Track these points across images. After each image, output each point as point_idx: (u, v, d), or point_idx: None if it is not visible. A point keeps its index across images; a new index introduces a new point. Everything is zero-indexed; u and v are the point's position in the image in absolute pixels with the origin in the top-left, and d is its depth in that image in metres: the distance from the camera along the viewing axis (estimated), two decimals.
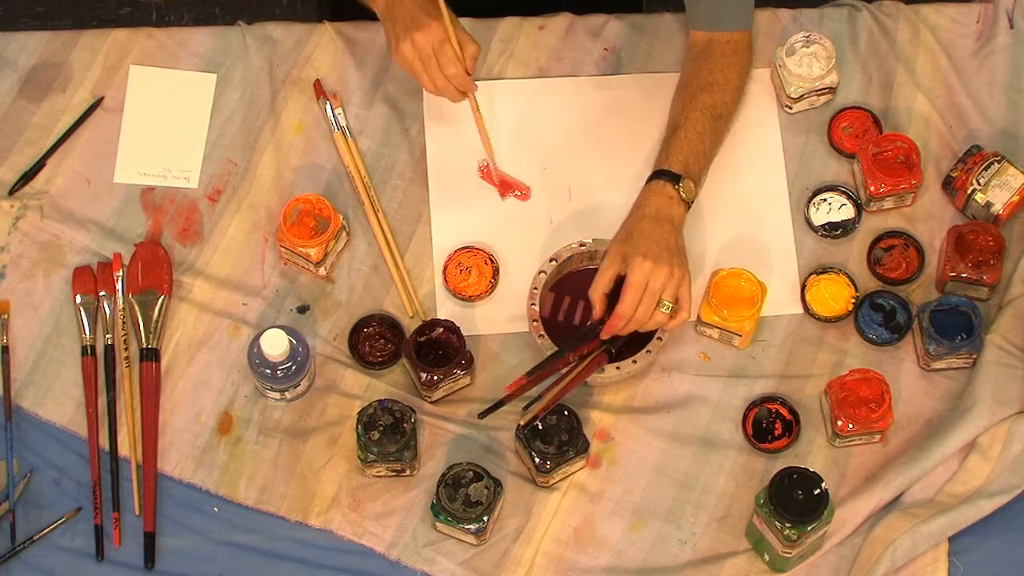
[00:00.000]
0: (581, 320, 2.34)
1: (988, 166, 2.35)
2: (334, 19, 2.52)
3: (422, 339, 2.27)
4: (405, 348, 2.26)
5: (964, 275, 2.30)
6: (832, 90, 2.43)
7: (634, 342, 2.27)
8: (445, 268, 2.36)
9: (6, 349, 2.31)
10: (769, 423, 2.30)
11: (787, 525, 2.10)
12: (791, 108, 2.44)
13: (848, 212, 2.40)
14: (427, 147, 2.43)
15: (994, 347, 2.28)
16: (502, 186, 2.40)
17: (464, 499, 2.17)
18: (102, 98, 2.44)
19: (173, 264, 2.35)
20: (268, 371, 2.22)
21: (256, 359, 2.22)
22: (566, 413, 2.22)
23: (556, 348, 2.26)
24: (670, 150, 2.30)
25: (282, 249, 2.34)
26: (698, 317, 2.32)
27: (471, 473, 2.18)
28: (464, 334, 2.27)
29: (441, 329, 2.28)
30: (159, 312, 2.32)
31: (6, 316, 2.32)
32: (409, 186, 2.42)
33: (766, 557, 2.21)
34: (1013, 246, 2.38)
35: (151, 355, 2.29)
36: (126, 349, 2.31)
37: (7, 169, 2.41)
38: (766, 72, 2.47)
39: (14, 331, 2.32)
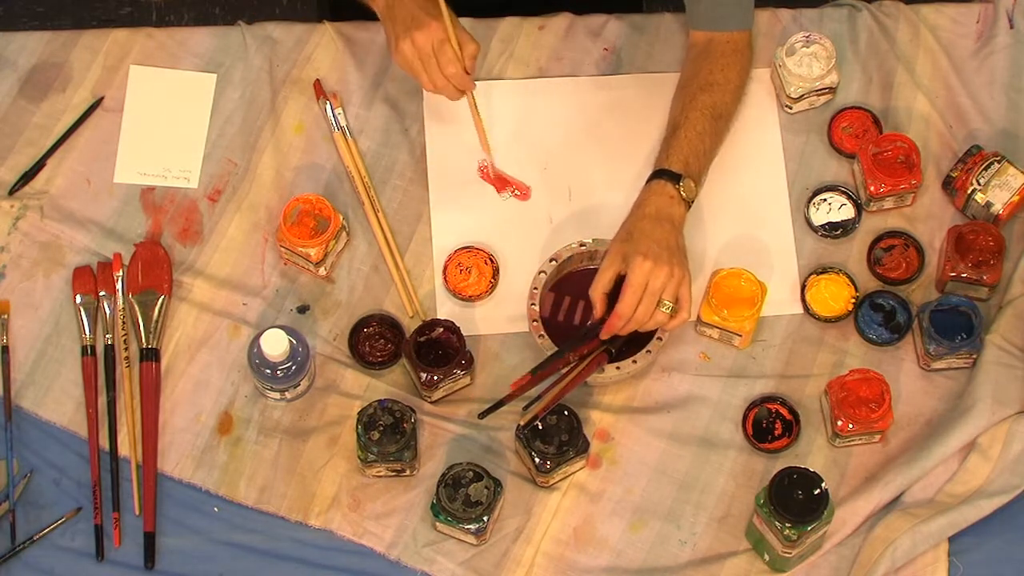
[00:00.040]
0: (581, 320, 2.34)
1: (988, 166, 2.35)
2: (334, 19, 2.52)
3: (422, 339, 2.27)
4: (405, 348, 2.26)
5: (964, 275, 2.30)
6: (832, 90, 2.43)
7: (634, 342, 2.27)
8: (445, 268, 2.36)
9: (6, 349, 2.31)
10: (769, 423, 2.30)
11: (787, 525, 2.10)
12: (791, 108, 2.44)
13: (848, 212, 2.40)
14: (427, 147, 2.43)
15: (994, 347, 2.28)
16: (498, 182, 2.40)
17: (464, 499, 2.17)
18: (102, 98, 2.44)
19: (173, 264, 2.35)
20: (268, 371, 2.22)
21: (256, 359, 2.22)
22: (566, 413, 2.22)
23: (556, 348, 2.26)
24: (670, 150, 2.30)
25: (282, 249, 2.34)
26: (698, 317, 2.32)
27: (471, 473, 2.18)
28: (464, 334, 2.27)
29: (441, 329, 2.28)
30: (159, 312, 2.32)
31: (6, 316, 2.32)
32: (409, 186, 2.42)
33: (766, 557, 2.21)
34: (1013, 246, 2.38)
35: (151, 355, 2.30)
36: (126, 349, 2.31)
37: (7, 169, 2.41)
38: (766, 72, 2.47)
39: (14, 331, 2.32)
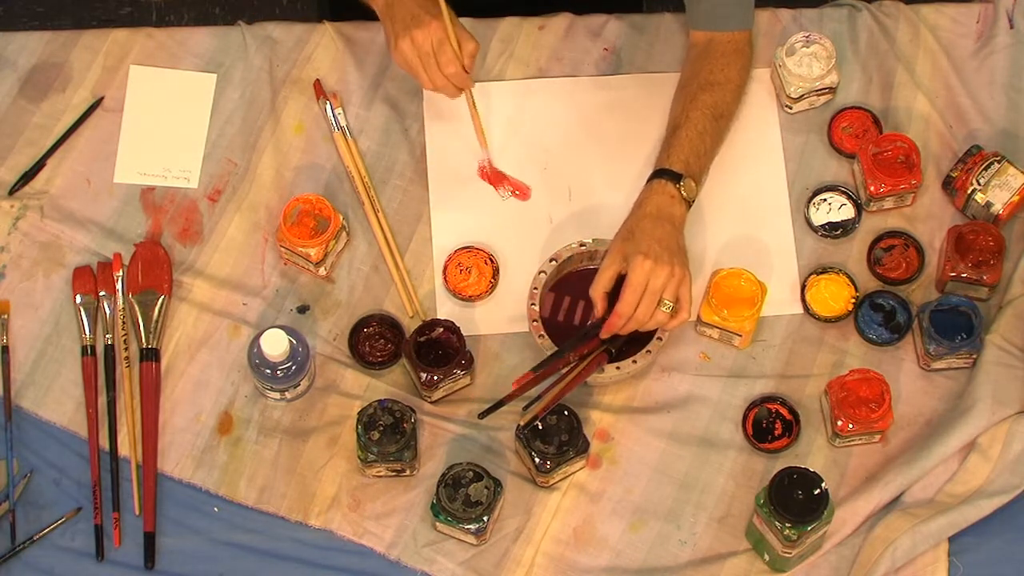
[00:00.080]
0: (581, 320, 2.34)
1: (988, 166, 2.35)
2: (334, 19, 2.52)
3: (422, 339, 2.27)
4: (405, 348, 2.26)
5: (964, 275, 2.30)
6: (832, 90, 2.43)
7: (634, 342, 2.27)
8: (445, 268, 2.36)
9: (6, 349, 2.31)
10: (769, 423, 2.30)
11: (787, 525, 2.10)
12: (791, 108, 2.44)
13: (848, 212, 2.40)
14: (427, 147, 2.43)
15: (994, 347, 2.28)
16: (495, 177, 2.40)
17: (464, 499, 2.17)
18: (102, 98, 2.44)
19: (173, 264, 2.35)
20: (268, 371, 2.22)
21: (256, 359, 2.22)
22: (566, 413, 2.22)
23: (556, 348, 2.26)
24: (671, 149, 2.30)
25: (282, 249, 2.34)
26: (698, 317, 2.32)
27: (471, 473, 2.18)
28: (464, 334, 2.27)
29: (441, 329, 2.28)
30: (159, 312, 2.32)
31: (6, 316, 2.32)
32: (409, 186, 2.42)
33: (766, 557, 2.21)
34: (1013, 246, 2.38)
35: (151, 355, 2.30)
36: (126, 349, 2.31)
37: (7, 169, 2.41)
38: (766, 72, 2.47)
39: (14, 331, 2.32)
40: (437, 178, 2.42)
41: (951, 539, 2.22)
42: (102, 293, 2.33)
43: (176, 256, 2.37)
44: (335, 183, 2.41)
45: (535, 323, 2.29)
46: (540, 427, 2.21)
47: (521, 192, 2.41)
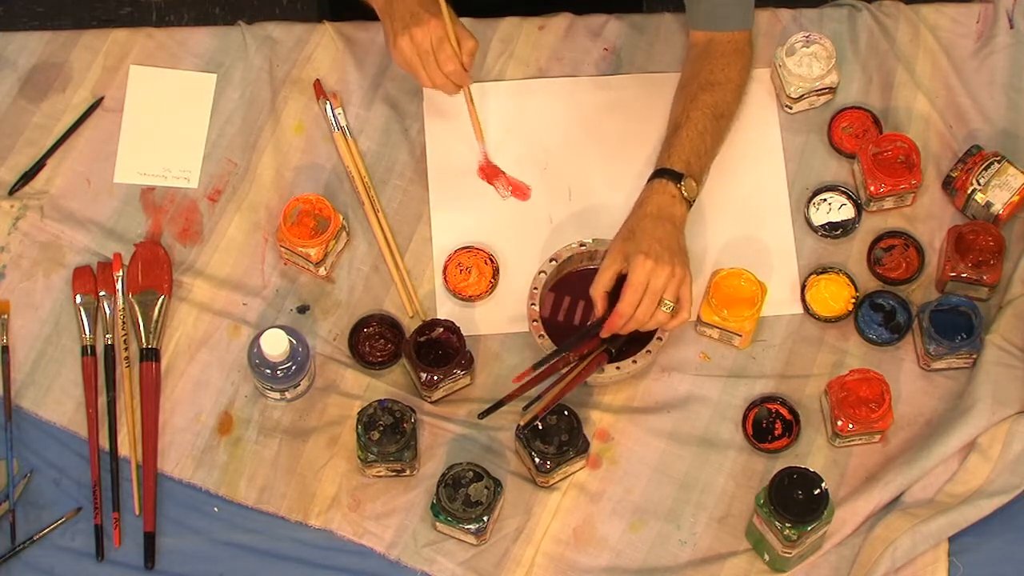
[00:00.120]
0: (581, 320, 2.34)
1: (988, 166, 2.35)
2: (334, 19, 2.52)
3: (422, 339, 2.27)
4: (405, 348, 2.26)
5: (964, 275, 2.30)
6: (832, 90, 2.43)
7: (634, 342, 2.27)
8: (445, 268, 2.36)
9: (6, 349, 2.31)
10: (769, 423, 2.30)
11: (787, 525, 2.10)
12: (791, 108, 2.44)
13: (848, 212, 2.40)
14: (427, 147, 2.43)
15: (994, 347, 2.28)
16: (490, 171, 2.40)
17: (464, 499, 2.17)
18: (102, 98, 2.44)
19: (173, 264, 2.35)
20: (268, 371, 2.22)
21: (256, 359, 2.22)
22: (566, 413, 2.22)
23: (556, 348, 2.26)
24: (672, 149, 2.30)
25: (282, 249, 2.34)
26: (698, 317, 2.32)
27: (471, 473, 2.18)
28: (464, 334, 2.27)
29: (441, 329, 2.28)
30: (159, 312, 2.32)
31: (6, 316, 2.32)
32: (409, 186, 2.42)
33: (766, 557, 2.21)
34: (1013, 246, 2.38)
35: (151, 355, 2.30)
36: (126, 349, 2.31)
37: (7, 169, 2.41)
38: (766, 72, 2.47)
39: (14, 331, 2.32)
40: (437, 178, 2.42)
41: (951, 539, 2.22)
42: (102, 293, 2.33)
43: (176, 256, 2.37)
44: (335, 183, 2.41)
45: (535, 323, 2.29)
46: (540, 427, 2.21)
47: (521, 192, 2.41)
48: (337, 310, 2.35)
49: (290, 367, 2.22)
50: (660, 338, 2.27)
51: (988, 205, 2.35)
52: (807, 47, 2.42)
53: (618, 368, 2.26)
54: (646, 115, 2.44)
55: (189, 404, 2.29)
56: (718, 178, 2.38)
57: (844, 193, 2.40)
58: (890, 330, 2.33)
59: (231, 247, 2.37)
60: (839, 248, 2.39)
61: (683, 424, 2.29)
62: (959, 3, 2.51)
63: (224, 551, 2.23)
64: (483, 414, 2.23)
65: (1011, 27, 2.48)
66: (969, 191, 2.35)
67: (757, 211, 2.40)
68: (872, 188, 2.35)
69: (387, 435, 2.20)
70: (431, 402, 2.30)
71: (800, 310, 2.35)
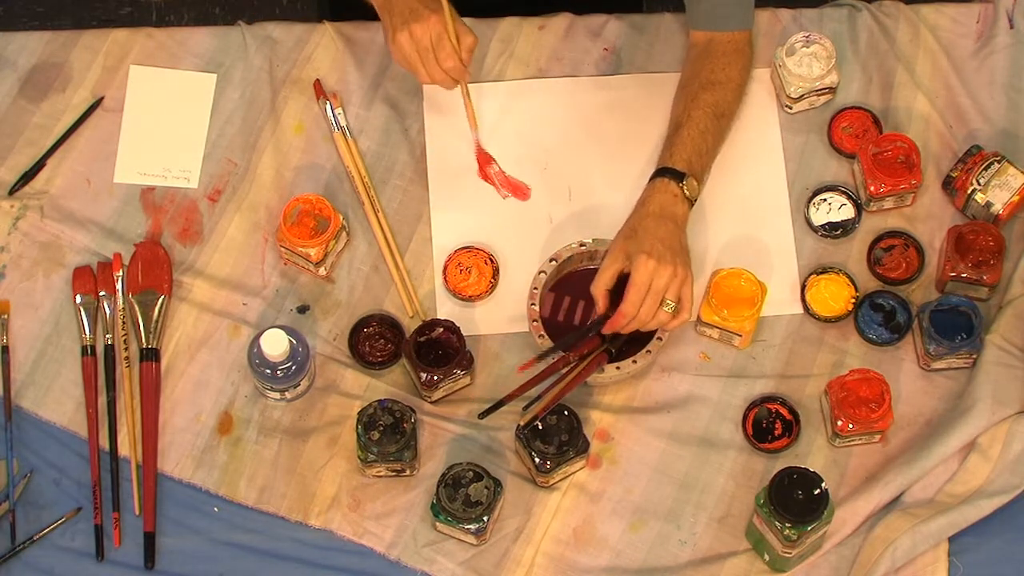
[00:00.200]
0: (581, 320, 2.34)
1: (988, 166, 2.35)
2: (334, 19, 2.52)
3: (422, 339, 2.27)
4: (405, 348, 2.26)
5: (964, 275, 2.30)
6: (832, 90, 2.43)
7: (634, 342, 2.27)
8: (445, 268, 2.36)
9: (6, 349, 2.31)
10: (769, 423, 2.30)
11: (787, 525, 2.10)
12: (791, 108, 2.44)
13: (848, 212, 2.40)
14: (427, 147, 2.43)
15: (994, 347, 2.28)
16: (482, 157, 2.40)
17: (464, 499, 2.17)
18: (102, 98, 2.44)
19: (173, 264, 2.35)
20: (268, 371, 2.22)
21: (256, 359, 2.22)
22: (566, 413, 2.22)
23: (562, 339, 2.26)
24: (673, 148, 2.30)
25: (282, 249, 2.34)
26: (698, 317, 2.32)
27: (471, 473, 2.18)
28: (464, 334, 2.27)
29: (441, 329, 2.28)
30: (159, 312, 2.32)
31: (6, 316, 2.32)
32: (409, 186, 2.42)
33: (766, 557, 2.21)
34: (1013, 246, 2.38)
35: (151, 355, 2.29)
36: (126, 349, 2.31)
37: (7, 169, 2.41)
38: (766, 72, 2.47)
39: (14, 331, 2.32)
40: (437, 178, 2.42)
41: (951, 539, 2.22)
42: (102, 293, 2.33)
43: (176, 256, 2.37)
44: (335, 183, 2.41)
45: (535, 323, 2.29)
46: (540, 427, 2.21)
47: (521, 192, 2.41)
48: (337, 310, 2.35)
49: (290, 367, 2.22)
50: (660, 338, 2.27)
51: (988, 205, 2.35)
52: (807, 47, 2.42)
53: (618, 368, 2.26)
54: (646, 115, 2.44)
55: (189, 404, 2.29)
56: (718, 178, 2.38)
57: (844, 193, 2.40)
58: (890, 330, 2.33)
59: (231, 247, 2.37)
60: (839, 248, 2.39)
61: (683, 424, 2.29)
62: (959, 3, 2.51)
63: (224, 551, 2.23)
64: (483, 414, 2.23)
65: (1011, 27, 2.48)
66: (969, 191, 2.35)
67: (757, 211, 2.40)
68: (872, 188, 2.35)
69: (387, 435, 2.20)
70: (431, 402, 2.30)
71: (800, 310, 2.35)
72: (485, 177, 2.42)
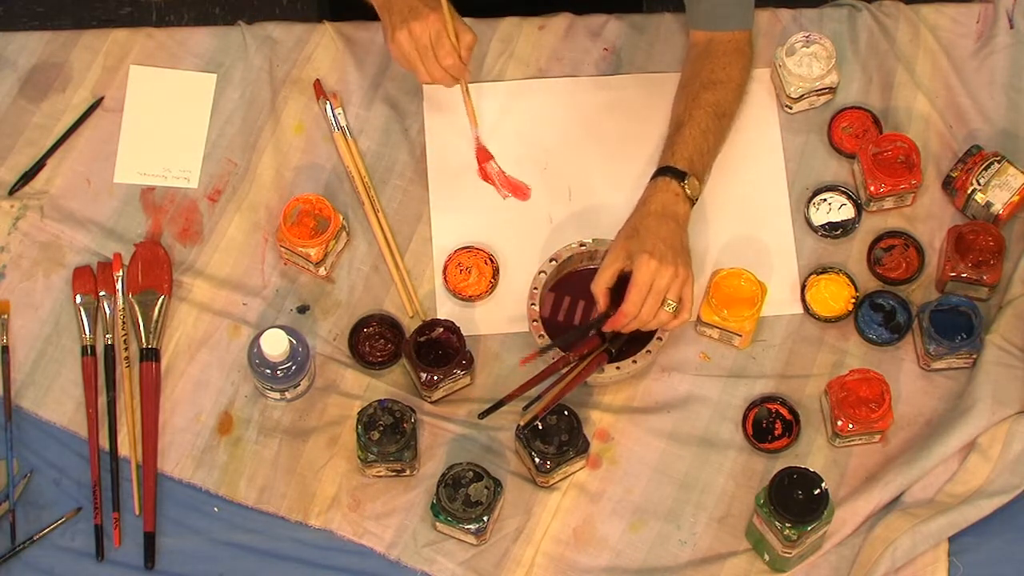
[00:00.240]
0: (581, 320, 2.34)
1: (988, 166, 2.35)
2: (334, 19, 2.52)
3: (422, 339, 2.27)
4: (405, 348, 2.26)
5: (964, 275, 2.30)
6: (832, 90, 2.43)
7: (634, 342, 2.27)
8: (445, 268, 2.36)
9: (6, 349, 2.31)
10: (769, 423, 2.30)
11: (787, 525, 2.10)
12: (791, 108, 2.44)
13: (848, 212, 2.40)
14: (427, 147, 2.43)
15: (994, 347, 2.28)
16: (481, 154, 2.40)
17: (464, 499, 2.17)
18: (102, 98, 2.44)
19: (173, 264, 2.35)
20: (268, 371, 2.22)
21: (256, 359, 2.22)
22: (566, 413, 2.22)
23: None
24: (675, 147, 2.30)
25: (282, 249, 2.34)
26: (698, 317, 2.32)
27: (471, 473, 2.18)
28: (464, 334, 2.27)
29: (441, 329, 2.28)
30: (159, 312, 2.32)
31: (6, 316, 2.32)
32: (409, 186, 2.42)
33: (766, 557, 2.21)
34: (1013, 246, 2.38)
35: (151, 355, 2.29)
36: (126, 349, 2.31)
37: (7, 169, 2.41)
38: (766, 72, 2.47)
39: (14, 331, 2.32)
40: (437, 178, 2.42)
41: (951, 539, 2.22)
42: (102, 293, 2.33)
43: (176, 256, 2.37)
44: (335, 183, 2.41)
45: (535, 323, 2.29)
46: (540, 427, 2.21)
47: (521, 192, 2.41)
48: (337, 310, 2.35)
49: (290, 367, 2.22)
50: (660, 338, 2.27)
51: (988, 205, 2.35)
52: (807, 47, 2.42)
53: (618, 368, 2.26)
54: (646, 115, 2.44)
55: (189, 404, 2.29)
56: (718, 178, 2.38)
57: (844, 193, 2.40)
58: (890, 330, 2.33)
59: (231, 247, 2.37)
60: (839, 248, 2.39)
61: (683, 424, 2.29)
62: (959, 3, 2.51)
63: (224, 551, 2.23)
64: (483, 414, 2.23)
65: (1011, 27, 2.48)
66: (969, 191, 2.35)
67: (757, 211, 2.40)
68: (872, 188, 2.35)
69: (387, 435, 2.20)
70: (431, 402, 2.30)
71: (800, 310, 2.35)
72: (485, 177, 2.42)
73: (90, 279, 2.33)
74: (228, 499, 2.25)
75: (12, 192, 2.39)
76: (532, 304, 2.30)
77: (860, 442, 2.27)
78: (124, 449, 2.27)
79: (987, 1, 2.51)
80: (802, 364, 2.33)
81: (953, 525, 2.20)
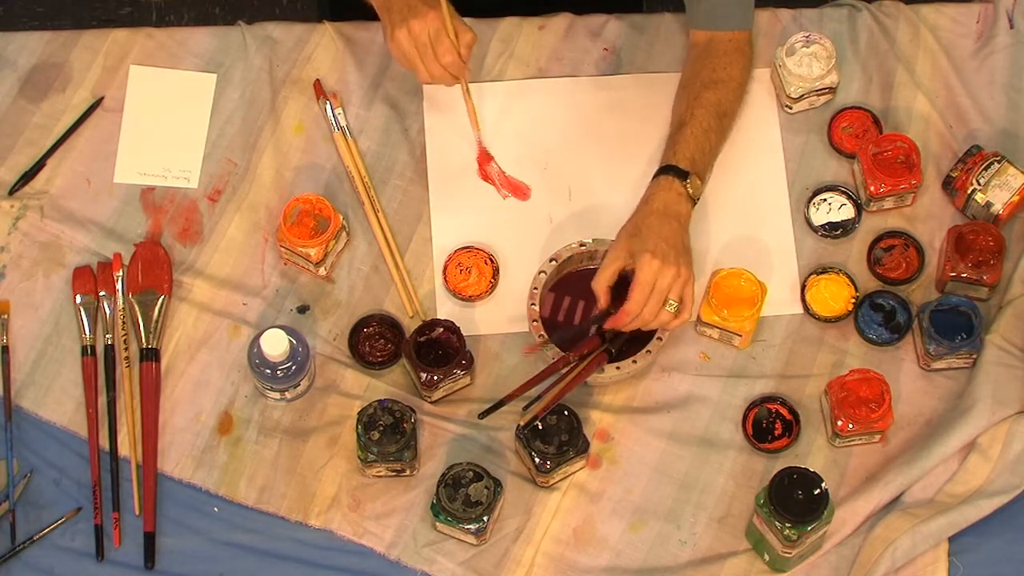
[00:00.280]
0: (581, 320, 2.34)
1: (988, 166, 2.35)
2: (334, 19, 2.52)
3: (422, 339, 2.27)
4: (405, 348, 2.26)
5: (964, 275, 2.30)
6: (832, 90, 2.43)
7: (634, 342, 2.27)
8: (445, 268, 2.36)
9: (6, 349, 2.31)
10: (769, 423, 2.30)
11: (787, 525, 2.10)
12: (791, 108, 2.44)
13: (848, 212, 2.40)
14: (427, 147, 2.43)
15: (994, 347, 2.28)
16: (483, 158, 2.40)
17: (464, 499, 2.17)
18: (102, 98, 2.44)
19: (173, 264, 2.35)
20: (268, 371, 2.22)
21: (256, 359, 2.22)
22: (566, 413, 2.22)
23: (556, 349, 2.26)
24: (677, 146, 2.30)
25: (282, 249, 2.34)
26: (698, 317, 2.32)
27: (471, 473, 2.18)
28: (464, 334, 2.27)
29: (441, 329, 2.28)
30: (159, 312, 2.32)
31: (6, 316, 2.32)
32: (409, 186, 2.42)
33: (766, 557, 2.21)
34: (1013, 246, 2.38)
35: (151, 355, 2.29)
36: (126, 349, 2.31)
37: (7, 169, 2.41)
38: (766, 72, 2.47)
39: (14, 331, 2.32)
40: (437, 178, 2.42)
41: (951, 539, 2.22)
42: (102, 293, 2.33)
43: (176, 256, 2.37)
44: (335, 183, 2.41)
45: (535, 323, 2.29)
46: (540, 427, 2.21)
47: (521, 192, 2.41)
48: (337, 310, 2.35)
49: (290, 367, 2.22)
50: (660, 338, 2.27)
51: (988, 205, 2.35)
52: (807, 47, 2.42)
53: (618, 368, 2.26)
54: (646, 115, 2.44)
55: (189, 404, 2.29)
56: (719, 178, 2.38)
57: (844, 193, 2.40)
58: (890, 330, 2.33)
59: (231, 247, 2.37)
60: (839, 248, 2.39)
61: (683, 424, 2.29)
62: (959, 3, 2.51)
63: (224, 551, 2.23)
64: (483, 414, 2.23)
65: (1011, 27, 2.48)
66: (969, 191, 2.35)
67: (757, 211, 2.40)
68: (872, 188, 2.35)
69: (387, 435, 2.20)
70: (431, 402, 2.30)
71: (800, 310, 2.35)
72: (485, 177, 2.42)
73: (90, 279, 2.33)
74: (228, 499, 2.25)
75: (12, 192, 2.39)
76: (532, 304, 2.30)
77: (860, 442, 2.27)
78: (124, 449, 2.27)
79: (987, 1, 2.51)
80: (802, 364, 2.33)
81: (953, 525, 2.20)
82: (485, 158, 2.41)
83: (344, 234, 2.36)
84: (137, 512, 2.24)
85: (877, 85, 2.47)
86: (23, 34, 2.48)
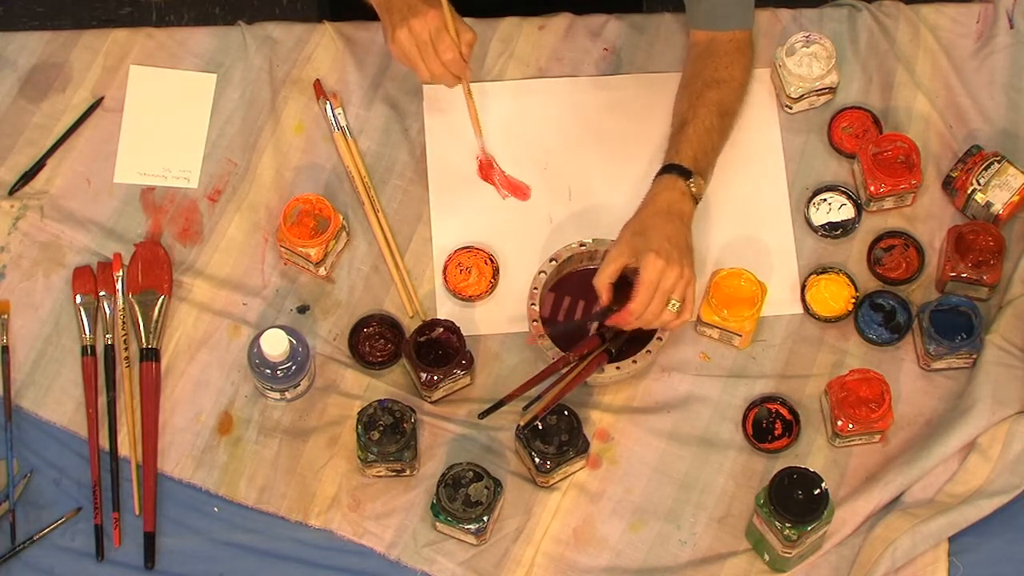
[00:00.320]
0: (581, 320, 2.34)
1: (988, 166, 2.35)
2: (334, 19, 2.52)
3: (422, 339, 2.27)
4: (405, 348, 2.26)
5: (964, 275, 2.30)
6: (832, 90, 2.43)
7: (634, 342, 2.27)
8: (445, 268, 2.36)
9: (6, 349, 2.31)
10: (769, 423, 2.30)
11: (787, 525, 2.10)
12: (791, 108, 2.44)
13: (848, 212, 2.40)
14: (427, 147, 2.43)
15: (994, 347, 2.28)
16: (485, 162, 2.40)
17: (464, 499, 2.17)
18: (102, 98, 2.44)
19: (173, 264, 2.35)
20: (268, 371, 2.22)
21: (256, 359, 2.22)
22: (566, 413, 2.21)
23: (556, 349, 2.26)
24: (679, 145, 2.30)
25: (282, 249, 2.34)
26: (698, 317, 2.32)
27: (471, 473, 2.18)
28: (464, 334, 2.27)
29: (441, 329, 2.28)
30: (159, 312, 2.32)
31: (6, 316, 2.32)
32: (409, 186, 2.42)
33: (766, 557, 2.21)
34: (1013, 246, 2.38)
35: (151, 355, 2.29)
36: (126, 349, 2.31)
37: (7, 169, 2.41)
38: (766, 72, 2.47)
39: (14, 331, 2.32)
40: (437, 178, 2.42)
41: (951, 539, 2.22)
42: (102, 293, 2.33)
43: (176, 256, 2.37)
44: (335, 183, 2.41)
45: (535, 323, 2.29)
46: (540, 427, 2.21)
47: (521, 192, 2.41)
48: (337, 310, 2.35)
49: (290, 367, 2.22)
50: (660, 338, 2.27)
51: (988, 205, 2.35)
52: (807, 47, 2.42)
53: (618, 368, 2.26)
54: (646, 115, 2.44)
55: (189, 404, 2.29)
56: (719, 178, 2.38)
57: (844, 193, 2.40)
58: (890, 330, 2.33)
59: (231, 247, 2.37)
60: (839, 248, 2.39)
61: (683, 424, 2.29)
62: (959, 3, 2.51)
63: (224, 551, 2.23)
64: (483, 414, 2.23)
65: (1011, 27, 2.48)
66: (969, 191, 2.35)
67: (757, 211, 2.40)
68: (872, 188, 2.35)
69: (387, 435, 2.20)
70: (431, 402, 2.30)
71: (800, 310, 2.35)
72: (485, 177, 2.42)
73: (90, 279, 2.33)
74: (228, 499, 2.25)
75: (12, 192, 2.39)
76: (532, 304, 2.30)
77: (860, 442, 2.27)
78: (124, 449, 2.27)
79: (987, 1, 2.51)
80: (802, 364, 2.33)
81: (953, 525, 2.20)
82: (488, 164, 2.41)
83: (344, 234, 2.36)
84: (137, 512, 2.24)
85: (877, 85, 2.47)
86: (23, 34, 2.48)
